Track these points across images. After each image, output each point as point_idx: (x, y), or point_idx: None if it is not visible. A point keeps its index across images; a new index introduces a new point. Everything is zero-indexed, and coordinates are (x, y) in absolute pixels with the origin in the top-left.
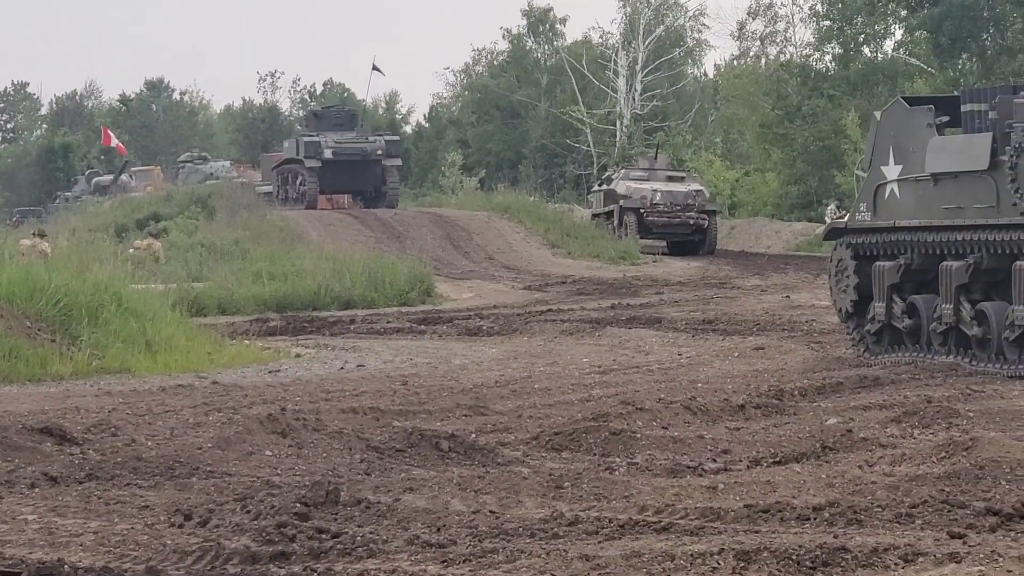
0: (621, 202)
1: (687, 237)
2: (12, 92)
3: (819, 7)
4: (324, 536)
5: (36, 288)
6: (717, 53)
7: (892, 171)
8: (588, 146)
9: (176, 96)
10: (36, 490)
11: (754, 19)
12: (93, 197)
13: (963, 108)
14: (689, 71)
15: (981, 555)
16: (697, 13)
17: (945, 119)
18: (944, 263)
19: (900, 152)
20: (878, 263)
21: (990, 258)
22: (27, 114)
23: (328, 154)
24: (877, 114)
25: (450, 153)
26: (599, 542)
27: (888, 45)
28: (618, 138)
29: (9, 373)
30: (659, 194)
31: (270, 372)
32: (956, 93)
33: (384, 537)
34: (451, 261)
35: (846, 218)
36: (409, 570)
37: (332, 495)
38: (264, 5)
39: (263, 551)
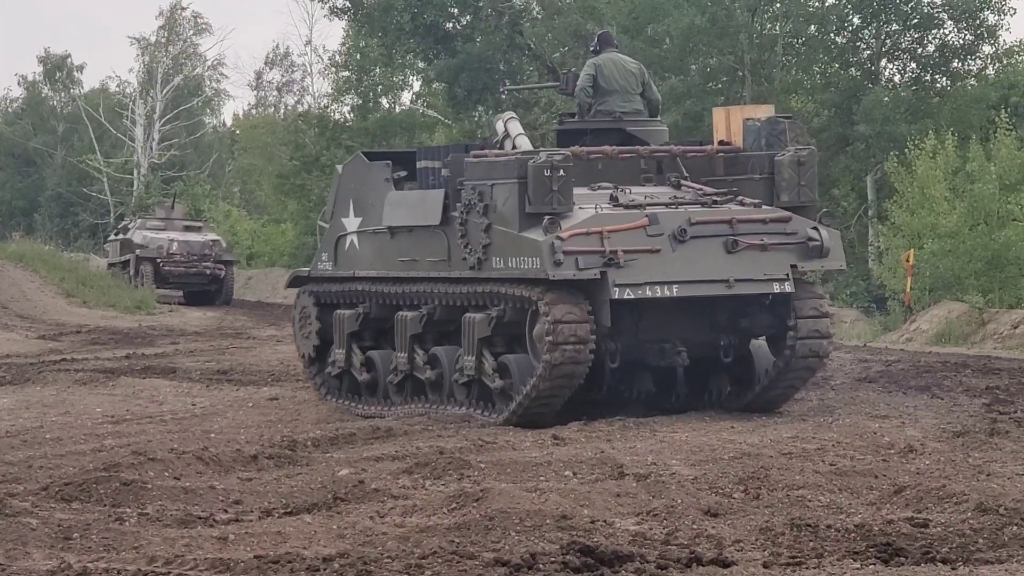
0: (137, 252)
1: (204, 287)
2: None
3: (337, 58)
4: None
5: None
6: (236, 103)
7: (352, 223)
8: (105, 195)
9: None
10: None
11: (271, 69)
12: None
13: (418, 164)
14: (208, 121)
15: None
16: (215, 63)
17: (403, 174)
18: (399, 313)
19: (360, 205)
20: (338, 311)
21: (442, 309)
22: None
23: None
24: (339, 168)
25: None
26: None
27: (406, 97)
28: (135, 187)
29: None
30: (176, 244)
31: None
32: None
33: None
34: None
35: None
36: None
37: None
38: None
39: None
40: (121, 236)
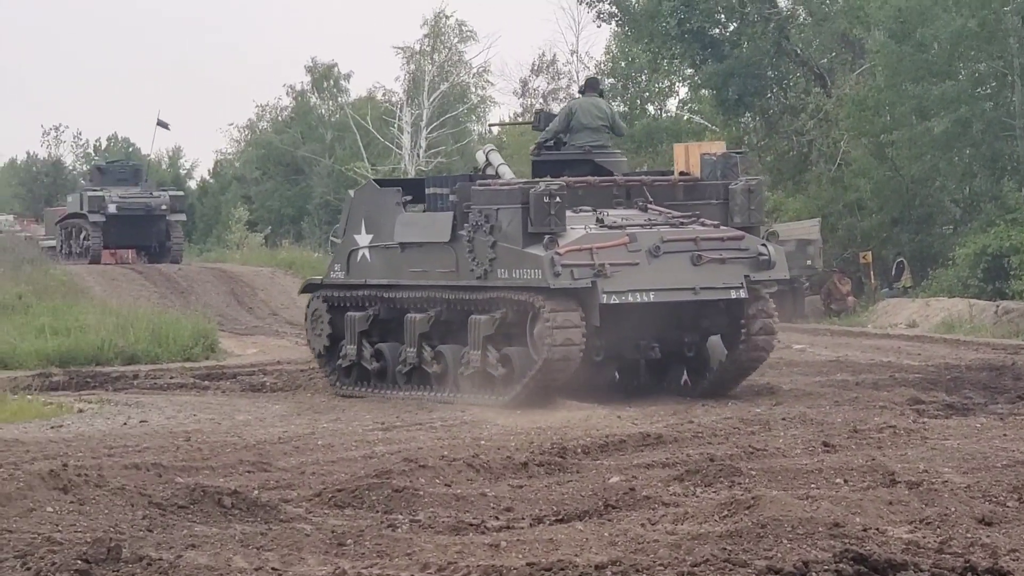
0: None
1: None
2: None
3: (602, 65)
4: None
5: None
6: (501, 110)
7: (364, 239)
8: None
9: None
10: None
11: (537, 76)
12: None
13: (427, 190)
14: (473, 128)
15: None
16: (481, 70)
17: (408, 198)
18: (409, 315)
19: (371, 224)
20: (349, 313)
21: (448, 312)
22: None
23: (112, 209)
24: (351, 192)
25: (236, 209)
26: None
27: (672, 103)
28: None
29: None
30: None
31: (52, 427)
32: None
33: None
34: (235, 317)
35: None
36: None
37: (114, 552)
38: (45, 57)
39: None
40: None
